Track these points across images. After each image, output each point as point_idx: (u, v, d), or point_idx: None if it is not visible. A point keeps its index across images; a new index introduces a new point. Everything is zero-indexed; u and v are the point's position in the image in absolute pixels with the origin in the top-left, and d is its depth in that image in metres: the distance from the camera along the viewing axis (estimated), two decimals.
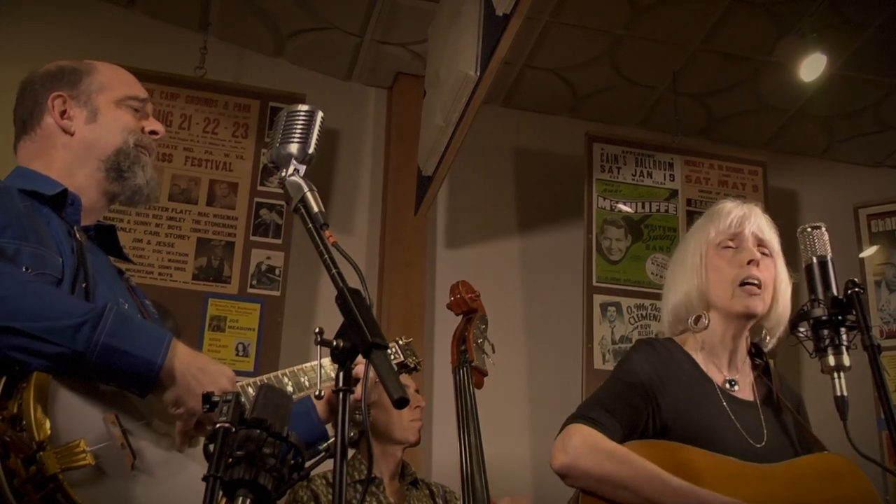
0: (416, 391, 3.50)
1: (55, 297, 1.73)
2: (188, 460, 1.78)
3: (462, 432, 3.09)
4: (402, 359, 2.53)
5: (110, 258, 2.11)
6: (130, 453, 1.68)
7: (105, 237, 2.07)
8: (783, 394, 2.34)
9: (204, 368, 1.74)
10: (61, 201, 1.95)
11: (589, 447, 2.07)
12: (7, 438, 1.54)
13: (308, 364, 2.12)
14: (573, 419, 2.15)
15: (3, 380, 1.62)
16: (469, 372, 3.16)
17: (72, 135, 2.02)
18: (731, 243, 2.32)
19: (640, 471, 2.03)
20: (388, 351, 1.71)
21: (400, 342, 2.54)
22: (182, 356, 1.73)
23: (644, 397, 2.18)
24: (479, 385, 3.18)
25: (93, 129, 2.03)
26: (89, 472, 1.58)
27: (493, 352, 3.28)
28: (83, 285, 1.87)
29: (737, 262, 2.29)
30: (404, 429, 3.24)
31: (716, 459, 2.10)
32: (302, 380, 2.09)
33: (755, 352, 2.39)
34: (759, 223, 2.35)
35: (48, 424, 1.57)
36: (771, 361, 2.40)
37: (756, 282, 2.26)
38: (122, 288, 2.05)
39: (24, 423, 1.56)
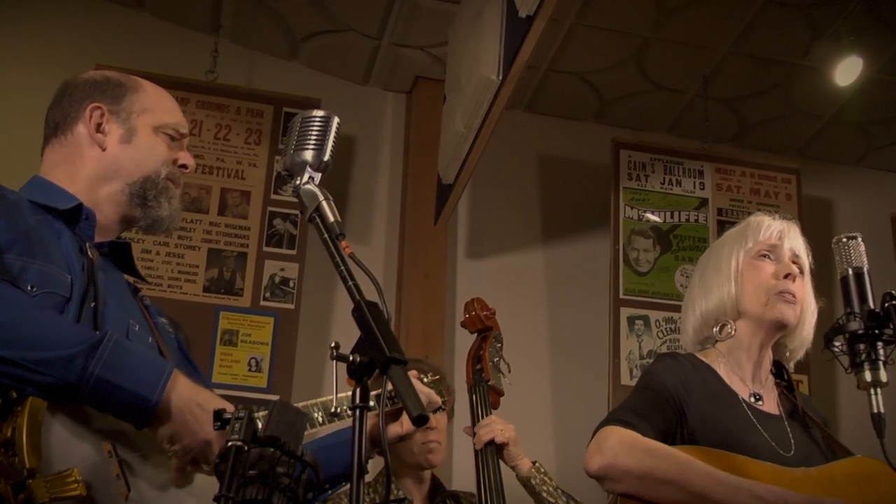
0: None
1: (52, 325, 1.67)
2: (185, 494, 1.73)
3: (479, 456, 2.99)
4: None
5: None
6: (125, 485, 1.63)
7: (120, 254, 2.02)
8: (809, 410, 2.37)
9: (203, 405, 1.68)
10: (75, 216, 1.91)
11: (627, 445, 2.05)
12: None
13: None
14: (605, 424, 2.13)
15: None
16: (486, 391, 3.12)
17: (103, 150, 1.99)
18: (769, 254, 2.36)
19: (683, 465, 2.02)
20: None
21: (425, 380, 2.36)
22: (181, 391, 1.68)
23: (672, 406, 2.19)
24: (496, 405, 3.14)
25: (126, 150, 2.00)
26: (80, 502, 1.54)
27: (510, 371, 3.23)
28: (92, 304, 1.83)
29: (774, 274, 2.33)
30: (415, 453, 3.14)
31: (753, 464, 2.10)
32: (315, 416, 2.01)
33: (776, 371, 2.41)
34: (797, 241, 2.40)
35: (41, 451, 1.54)
36: (795, 381, 2.42)
37: (792, 294, 2.30)
38: (133, 307, 1.99)
39: (17, 447, 1.53)
